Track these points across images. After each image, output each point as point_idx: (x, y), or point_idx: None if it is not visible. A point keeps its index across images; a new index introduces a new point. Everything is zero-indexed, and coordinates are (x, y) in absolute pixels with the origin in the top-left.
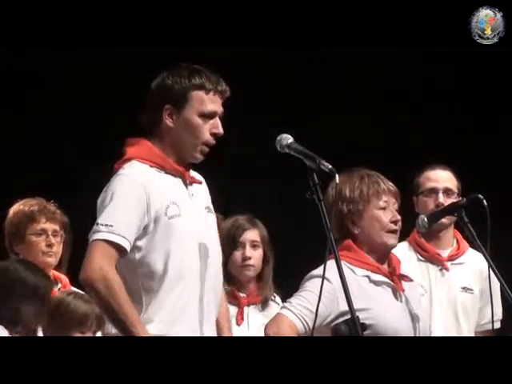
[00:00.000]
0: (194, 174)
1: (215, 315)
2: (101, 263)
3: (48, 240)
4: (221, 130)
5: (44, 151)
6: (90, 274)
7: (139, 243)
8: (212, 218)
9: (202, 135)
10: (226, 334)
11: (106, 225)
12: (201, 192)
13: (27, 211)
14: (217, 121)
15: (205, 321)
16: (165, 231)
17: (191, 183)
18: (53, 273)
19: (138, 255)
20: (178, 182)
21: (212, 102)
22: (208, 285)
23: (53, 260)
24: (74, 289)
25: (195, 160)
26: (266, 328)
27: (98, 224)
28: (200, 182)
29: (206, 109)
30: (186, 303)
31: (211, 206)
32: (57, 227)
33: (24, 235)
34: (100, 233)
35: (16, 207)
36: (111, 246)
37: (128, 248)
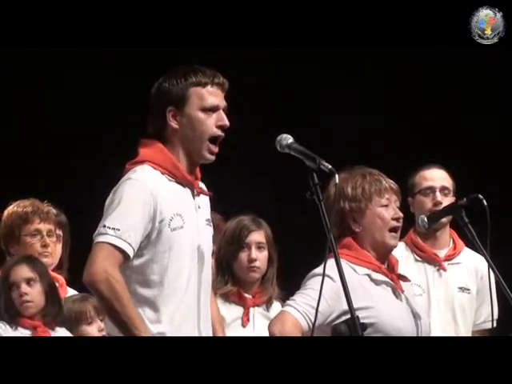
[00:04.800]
0: (202, 185)
1: (211, 327)
2: (104, 265)
3: (43, 240)
4: (226, 122)
5: (44, 151)
6: (94, 276)
7: (139, 250)
8: (210, 230)
9: (206, 129)
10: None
11: (114, 228)
12: (205, 204)
13: (21, 212)
14: (221, 113)
15: (203, 332)
16: (166, 243)
17: (199, 194)
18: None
19: (136, 262)
20: (187, 192)
21: (212, 96)
22: (203, 297)
23: (49, 260)
24: (69, 289)
25: (206, 159)
26: (270, 326)
27: (104, 226)
28: (208, 194)
29: (207, 103)
30: (185, 315)
31: (210, 219)
32: (51, 227)
33: (19, 236)
34: (106, 235)
35: (10, 208)
36: (116, 249)
37: (131, 255)
